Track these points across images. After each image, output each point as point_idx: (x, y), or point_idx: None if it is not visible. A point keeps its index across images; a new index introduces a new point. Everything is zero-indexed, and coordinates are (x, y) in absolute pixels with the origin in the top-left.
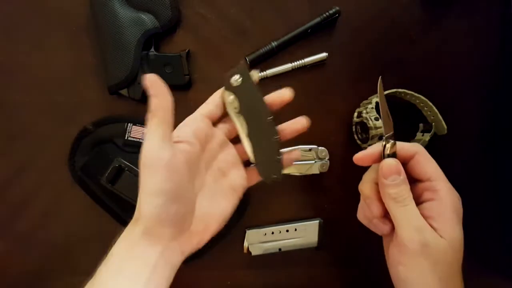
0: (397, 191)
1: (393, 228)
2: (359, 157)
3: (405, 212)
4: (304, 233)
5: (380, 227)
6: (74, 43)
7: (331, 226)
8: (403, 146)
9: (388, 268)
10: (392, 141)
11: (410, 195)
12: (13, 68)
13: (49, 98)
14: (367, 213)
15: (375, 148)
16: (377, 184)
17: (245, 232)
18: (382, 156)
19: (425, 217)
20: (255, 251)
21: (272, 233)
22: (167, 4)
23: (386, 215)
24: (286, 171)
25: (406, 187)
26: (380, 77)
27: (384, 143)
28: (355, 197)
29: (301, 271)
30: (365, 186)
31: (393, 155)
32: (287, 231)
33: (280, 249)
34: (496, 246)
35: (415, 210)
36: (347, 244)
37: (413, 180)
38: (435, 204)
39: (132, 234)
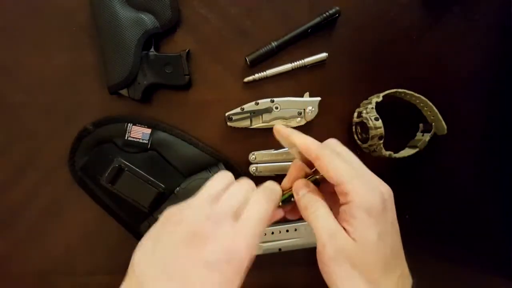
0: (304, 201)
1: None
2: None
3: (316, 219)
4: (304, 233)
5: None
6: (74, 43)
7: None
8: (307, 148)
9: None
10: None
11: (319, 203)
12: (13, 68)
13: (49, 98)
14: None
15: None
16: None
17: None
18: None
19: (341, 220)
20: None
21: (272, 233)
22: (167, 4)
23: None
24: (285, 171)
25: (314, 196)
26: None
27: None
28: None
29: (301, 271)
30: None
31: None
32: (287, 231)
33: (280, 249)
34: (496, 246)
35: (326, 216)
36: None
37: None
38: (347, 207)
39: None
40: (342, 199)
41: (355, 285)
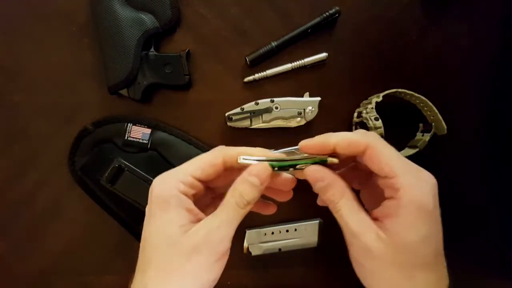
0: (326, 198)
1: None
2: (305, 145)
3: (340, 218)
4: (304, 233)
5: None
6: (74, 43)
7: (331, 226)
8: (351, 141)
9: None
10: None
11: (343, 198)
12: (13, 68)
13: (49, 98)
14: None
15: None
16: None
17: (245, 232)
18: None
19: (381, 215)
20: (255, 251)
21: (272, 233)
22: (167, 4)
23: None
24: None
25: (335, 191)
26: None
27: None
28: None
29: (301, 271)
30: None
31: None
32: (287, 231)
33: (280, 249)
34: (496, 246)
35: (351, 214)
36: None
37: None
38: (394, 203)
39: None
40: (388, 193)
41: (389, 283)
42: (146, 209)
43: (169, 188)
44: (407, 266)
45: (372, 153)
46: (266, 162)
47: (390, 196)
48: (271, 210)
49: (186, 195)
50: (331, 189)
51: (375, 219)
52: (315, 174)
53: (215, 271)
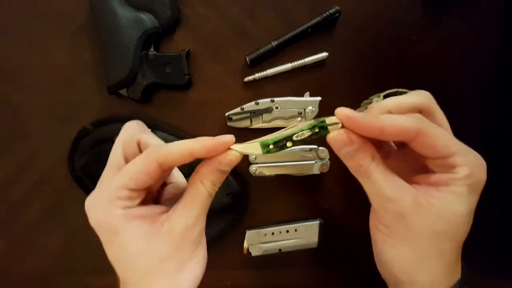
0: (355, 164)
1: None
2: (346, 116)
3: (371, 184)
4: (304, 234)
5: None
6: (74, 43)
7: (331, 226)
8: (401, 128)
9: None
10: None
11: (373, 162)
12: (13, 68)
13: (49, 98)
14: None
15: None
16: None
17: (245, 233)
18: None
19: (428, 183)
20: (255, 252)
21: (272, 233)
22: (167, 4)
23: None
24: (286, 171)
25: (365, 155)
26: None
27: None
28: (355, 197)
29: (301, 271)
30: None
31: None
32: (287, 231)
33: (280, 250)
34: (497, 246)
35: (385, 178)
36: (347, 244)
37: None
38: (448, 176)
39: None
40: (441, 169)
41: (417, 252)
42: (98, 234)
43: (106, 212)
44: (443, 237)
45: (426, 140)
46: (258, 141)
47: (443, 170)
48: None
49: (130, 208)
50: (360, 152)
51: (413, 183)
52: (341, 138)
53: (202, 255)
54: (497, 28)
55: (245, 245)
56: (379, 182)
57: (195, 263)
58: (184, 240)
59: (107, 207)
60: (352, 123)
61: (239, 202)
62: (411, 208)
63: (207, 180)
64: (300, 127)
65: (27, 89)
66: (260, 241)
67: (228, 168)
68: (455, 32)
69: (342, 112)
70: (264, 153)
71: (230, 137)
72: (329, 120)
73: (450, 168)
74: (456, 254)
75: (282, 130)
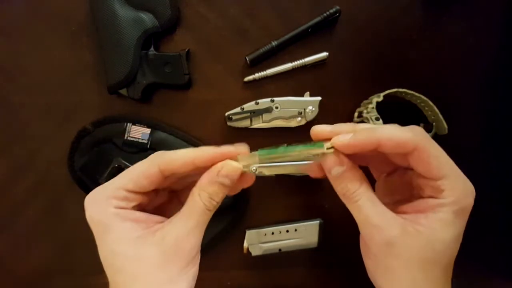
0: (342, 187)
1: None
2: (342, 144)
3: (358, 211)
4: (304, 234)
5: None
6: (74, 43)
7: (331, 226)
8: (399, 142)
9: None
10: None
11: (361, 187)
12: (13, 68)
13: (49, 98)
14: None
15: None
16: None
17: (245, 233)
18: None
19: (414, 211)
20: (255, 252)
21: (272, 233)
22: (167, 3)
23: None
24: (286, 171)
25: (353, 178)
26: None
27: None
28: None
29: (301, 271)
30: None
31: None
32: (287, 231)
33: (280, 250)
34: (497, 247)
35: (372, 205)
36: (347, 244)
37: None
38: (434, 202)
39: None
40: (429, 192)
41: (407, 281)
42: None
43: (100, 209)
44: (432, 264)
45: (422, 156)
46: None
47: (430, 196)
48: (249, 181)
49: (124, 208)
50: (349, 174)
51: (400, 212)
52: (332, 158)
53: (192, 274)
54: (497, 28)
55: (245, 245)
56: (366, 209)
57: (183, 281)
58: (174, 252)
59: (101, 204)
60: (350, 146)
61: (239, 202)
62: (399, 236)
63: (204, 192)
64: (298, 157)
65: (27, 89)
66: (260, 241)
67: (227, 181)
68: (455, 32)
69: (337, 141)
70: (260, 158)
71: (234, 148)
72: (325, 146)
73: (437, 192)
74: (446, 278)
75: (282, 154)
